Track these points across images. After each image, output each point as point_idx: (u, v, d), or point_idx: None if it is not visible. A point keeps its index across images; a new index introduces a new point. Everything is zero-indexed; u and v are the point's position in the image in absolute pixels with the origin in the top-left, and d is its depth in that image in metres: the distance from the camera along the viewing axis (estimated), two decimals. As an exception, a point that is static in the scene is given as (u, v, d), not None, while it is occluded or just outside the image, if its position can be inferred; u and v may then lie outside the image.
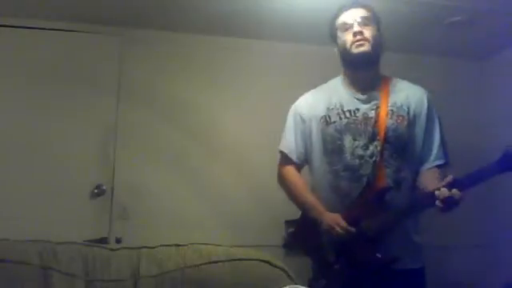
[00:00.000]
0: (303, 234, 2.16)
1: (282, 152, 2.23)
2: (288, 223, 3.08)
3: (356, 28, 2.02)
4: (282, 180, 2.23)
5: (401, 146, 2.01)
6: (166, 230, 2.78)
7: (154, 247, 1.85)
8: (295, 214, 3.04)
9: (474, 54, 3.42)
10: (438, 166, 2.03)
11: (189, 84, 3.14)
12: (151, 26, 3.08)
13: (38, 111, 2.93)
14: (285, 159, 2.22)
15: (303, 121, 2.17)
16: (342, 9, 2.12)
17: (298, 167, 2.22)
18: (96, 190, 2.91)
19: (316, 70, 3.23)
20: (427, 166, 2.04)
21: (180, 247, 1.86)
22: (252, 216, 3.04)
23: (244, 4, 2.75)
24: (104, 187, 2.92)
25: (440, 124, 2.09)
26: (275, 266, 1.85)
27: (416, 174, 2.05)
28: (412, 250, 2.00)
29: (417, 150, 2.05)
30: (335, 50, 2.15)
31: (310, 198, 2.08)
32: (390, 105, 2.03)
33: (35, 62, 2.96)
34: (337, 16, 2.13)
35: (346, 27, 2.06)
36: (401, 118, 2.02)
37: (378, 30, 2.09)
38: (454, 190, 1.75)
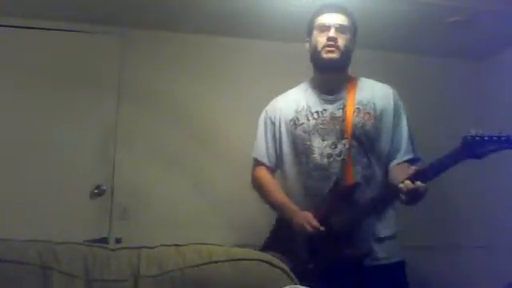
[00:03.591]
0: (279, 236, 2.18)
1: (254, 157, 2.29)
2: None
3: (332, 33, 2.05)
4: (255, 183, 2.27)
5: (369, 142, 2.04)
6: (166, 230, 2.78)
7: (153, 247, 1.85)
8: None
9: (474, 54, 3.42)
10: (409, 162, 2.04)
11: (189, 84, 3.14)
12: (151, 26, 3.09)
13: (38, 111, 2.93)
14: (257, 163, 2.27)
15: (273, 124, 2.21)
16: (323, 9, 2.13)
17: (271, 170, 2.25)
18: (96, 190, 2.92)
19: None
20: (396, 161, 2.06)
21: (180, 247, 1.86)
22: (252, 216, 3.04)
23: (244, 4, 2.75)
24: (104, 187, 2.93)
25: (408, 119, 2.10)
26: (275, 266, 1.85)
27: (386, 170, 2.07)
28: (383, 245, 2.01)
29: (385, 146, 2.07)
30: (306, 46, 2.17)
31: (282, 198, 2.12)
32: (356, 103, 2.06)
33: (35, 62, 2.97)
34: (316, 15, 2.14)
35: (323, 29, 2.08)
36: (367, 114, 2.05)
37: (353, 38, 2.12)
38: (418, 182, 1.76)
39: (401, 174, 1.94)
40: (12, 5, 2.80)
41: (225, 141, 3.13)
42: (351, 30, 2.11)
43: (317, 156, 2.03)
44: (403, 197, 1.80)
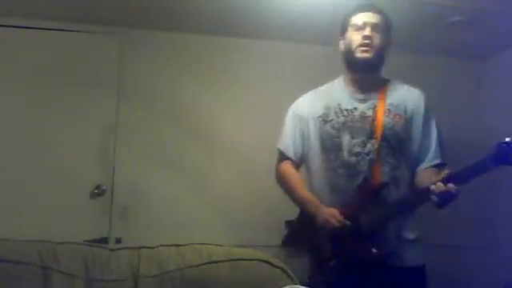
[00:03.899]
0: (301, 231, 2.18)
1: (279, 150, 2.26)
2: (288, 223, 3.08)
3: (367, 32, 2.04)
4: (279, 177, 2.25)
5: (398, 144, 2.03)
6: (166, 230, 2.78)
7: (154, 247, 1.85)
8: (295, 213, 3.05)
9: (474, 54, 3.42)
10: (436, 166, 2.04)
11: (188, 84, 3.14)
12: (151, 26, 3.09)
13: (38, 111, 2.93)
14: (282, 157, 2.25)
15: (301, 120, 2.19)
16: (359, 8, 2.13)
17: (296, 165, 2.23)
18: (96, 190, 2.92)
19: (316, 71, 3.23)
20: (424, 165, 2.05)
21: (180, 247, 1.86)
22: (252, 216, 3.04)
23: (244, 4, 2.75)
24: (104, 187, 2.93)
25: (437, 125, 2.11)
26: (275, 266, 1.85)
27: (413, 173, 2.06)
28: (407, 247, 2.00)
29: (414, 149, 2.07)
30: (340, 44, 2.16)
31: (307, 194, 2.11)
32: (387, 104, 2.06)
33: (35, 62, 2.97)
34: (352, 13, 2.13)
35: (358, 28, 2.08)
36: (398, 116, 2.05)
37: (387, 38, 2.12)
38: (450, 185, 1.76)
39: (428, 177, 1.94)
40: (12, 5, 2.80)
41: (225, 141, 3.13)
42: (386, 29, 2.11)
43: (345, 153, 2.02)
44: (435, 198, 1.79)
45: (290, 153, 2.21)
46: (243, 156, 3.13)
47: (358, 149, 2.01)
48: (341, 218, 1.94)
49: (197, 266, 1.77)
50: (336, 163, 2.03)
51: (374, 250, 1.91)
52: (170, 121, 3.09)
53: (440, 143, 2.08)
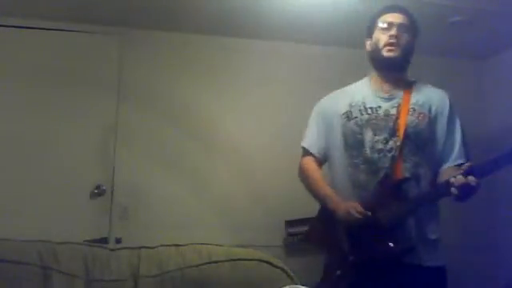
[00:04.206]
0: (321, 228, 2.19)
1: (303, 147, 2.29)
2: (288, 223, 3.08)
3: (393, 31, 2.08)
4: (302, 173, 2.27)
5: (421, 142, 2.05)
6: (166, 230, 2.78)
7: (154, 247, 1.85)
8: (295, 213, 3.05)
9: (474, 53, 3.42)
10: (458, 166, 2.03)
11: (188, 84, 3.14)
12: (151, 26, 3.08)
13: (38, 111, 2.93)
14: (306, 153, 2.28)
15: (325, 117, 2.22)
16: (386, 9, 2.17)
17: (319, 161, 2.26)
18: (96, 190, 2.91)
19: (316, 71, 3.24)
20: (448, 164, 2.07)
21: (180, 247, 1.86)
22: (252, 216, 3.04)
23: (244, 4, 2.75)
24: (104, 187, 2.92)
25: (461, 125, 2.13)
26: (275, 266, 1.85)
27: (436, 172, 2.08)
28: (428, 246, 2.01)
29: (437, 148, 2.08)
30: (367, 45, 2.19)
31: (327, 189, 2.13)
32: (412, 103, 2.09)
33: (35, 61, 2.96)
34: (380, 14, 2.17)
35: (385, 28, 2.11)
36: (422, 115, 2.07)
37: (414, 40, 2.16)
38: (470, 177, 1.77)
39: (450, 175, 1.94)
40: (12, 5, 2.79)
41: (224, 141, 3.13)
42: (413, 30, 2.16)
43: (367, 149, 2.04)
44: (455, 191, 1.80)
45: (314, 150, 2.24)
46: (243, 156, 3.13)
47: (380, 146, 2.03)
48: (361, 209, 1.95)
49: (197, 265, 1.78)
50: (358, 159, 2.06)
51: (391, 245, 1.91)
52: (170, 121, 3.09)
53: (464, 143, 2.10)
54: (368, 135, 2.06)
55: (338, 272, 1.98)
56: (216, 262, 1.79)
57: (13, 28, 2.92)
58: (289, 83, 3.22)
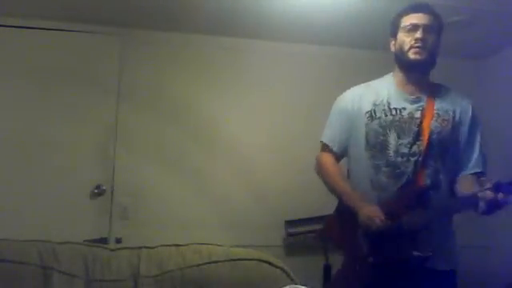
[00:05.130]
0: (339, 225, 2.15)
1: (323, 142, 2.22)
2: (288, 223, 3.08)
3: (419, 34, 2.03)
4: (320, 169, 2.21)
5: (443, 148, 2.03)
6: (166, 230, 2.78)
7: (154, 247, 1.85)
8: (295, 213, 3.05)
9: (473, 53, 3.42)
10: (475, 174, 2.04)
11: (189, 84, 3.14)
12: (151, 26, 3.09)
13: (38, 111, 2.93)
14: (324, 149, 2.22)
15: (347, 113, 2.16)
16: (410, 9, 2.10)
17: (337, 158, 2.21)
18: (96, 190, 2.92)
19: (316, 70, 3.25)
20: (465, 172, 2.05)
21: (180, 247, 1.86)
22: (252, 216, 3.05)
23: (244, 4, 2.75)
24: (104, 187, 2.93)
25: (481, 134, 2.11)
26: (275, 266, 1.85)
27: (453, 178, 2.06)
28: (445, 252, 2.00)
29: (457, 155, 2.07)
30: (391, 45, 2.15)
31: (349, 189, 2.08)
32: (436, 108, 2.06)
33: (35, 61, 2.97)
34: (402, 14, 2.11)
35: (410, 29, 2.06)
36: (446, 121, 2.04)
37: (439, 39, 2.11)
38: (500, 194, 1.76)
39: (469, 184, 1.96)
40: (12, 5, 2.80)
41: (225, 141, 3.13)
42: (438, 30, 2.10)
43: (391, 153, 2.01)
44: (483, 206, 1.79)
45: (334, 146, 2.18)
46: (243, 156, 3.13)
47: (404, 149, 2.00)
48: (383, 216, 1.92)
49: (197, 265, 1.77)
50: (381, 161, 2.02)
51: (416, 253, 1.90)
52: (170, 121, 3.09)
53: (481, 152, 2.08)
54: (392, 137, 2.02)
55: (356, 273, 1.96)
56: (216, 261, 1.79)
57: (13, 28, 2.93)
58: (289, 83, 3.22)
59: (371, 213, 1.94)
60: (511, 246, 3.11)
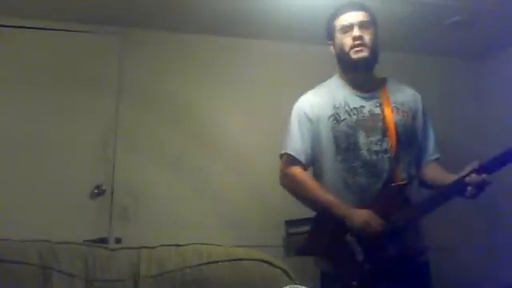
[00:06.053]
0: (321, 237, 2.08)
1: (288, 154, 2.15)
2: (288, 223, 3.08)
3: (356, 32, 2.04)
4: (290, 182, 2.14)
5: (409, 141, 2.06)
6: (166, 230, 2.78)
7: (154, 247, 1.85)
8: (295, 214, 3.05)
9: (474, 54, 3.42)
10: (435, 160, 2.13)
11: (189, 84, 3.14)
12: (151, 26, 3.09)
13: (38, 111, 2.93)
14: (291, 161, 2.14)
15: (309, 121, 2.12)
16: (341, 9, 2.12)
17: (305, 169, 2.16)
18: (96, 190, 2.91)
19: (316, 70, 3.23)
20: (427, 158, 2.12)
21: (180, 247, 1.86)
22: (252, 216, 3.04)
23: (245, 4, 2.75)
24: (104, 187, 2.92)
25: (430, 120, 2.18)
26: (275, 266, 1.85)
27: (417, 168, 2.11)
28: (423, 242, 2.05)
29: (418, 145, 2.12)
30: (331, 48, 2.17)
31: (330, 197, 2.01)
32: (392, 102, 2.08)
33: (35, 61, 2.96)
34: (335, 16, 2.13)
35: (346, 30, 2.07)
36: (405, 113, 2.08)
37: (376, 32, 2.11)
38: (484, 175, 1.80)
39: (439, 170, 2.04)
40: (12, 5, 2.80)
41: (225, 141, 3.13)
42: (373, 24, 2.10)
43: (365, 152, 2.00)
44: (472, 190, 1.82)
45: (301, 157, 2.12)
46: (243, 156, 3.13)
47: (376, 147, 2.00)
48: (379, 219, 1.90)
49: (197, 266, 1.77)
50: (356, 163, 2.00)
51: (406, 250, 1.92)
52: (169, 121, 3.09)
53: (435, 139, 2.16)
54: (362, 137, 2.01)
55: (354, 283, 1.91)
56: (216, 261, 1.79)
57: (13, 28, 2.92)
58: (289, 83, 3.22)
59: (367, 217, 1.92)
60: (511, 245, 3.11)
